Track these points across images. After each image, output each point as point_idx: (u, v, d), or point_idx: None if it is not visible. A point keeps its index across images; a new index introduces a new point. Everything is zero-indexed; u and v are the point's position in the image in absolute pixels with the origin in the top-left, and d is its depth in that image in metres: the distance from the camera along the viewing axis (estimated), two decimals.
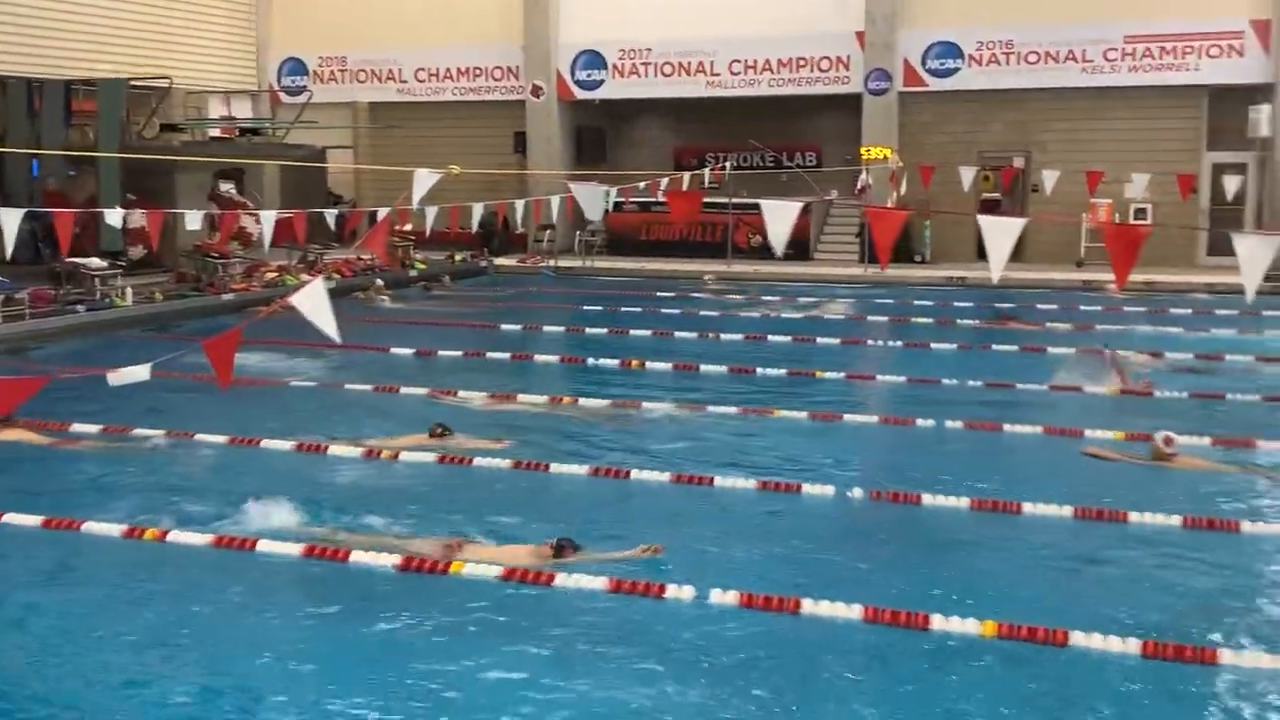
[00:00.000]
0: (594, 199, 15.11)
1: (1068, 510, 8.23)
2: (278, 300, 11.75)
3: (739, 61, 26.89)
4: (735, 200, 24.37)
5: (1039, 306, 19.40)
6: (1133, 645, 6.00)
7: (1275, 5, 22.90)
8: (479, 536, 7.72)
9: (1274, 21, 22.89)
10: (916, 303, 20.11)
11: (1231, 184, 23.35)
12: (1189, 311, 18.85)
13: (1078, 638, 6.07)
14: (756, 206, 11.23)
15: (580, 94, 27.88)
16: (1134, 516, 8.12)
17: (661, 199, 20.17)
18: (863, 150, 25.62)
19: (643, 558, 7.20)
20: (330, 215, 17.58)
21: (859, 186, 24.71)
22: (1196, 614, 6.58)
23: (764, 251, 25.49)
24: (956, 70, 25.31)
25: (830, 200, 27.06)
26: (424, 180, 12.96)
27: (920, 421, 10.98)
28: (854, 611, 6.40)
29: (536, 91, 27.92)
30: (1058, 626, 6.14)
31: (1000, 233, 8.99)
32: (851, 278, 23.50)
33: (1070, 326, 17.31)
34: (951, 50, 25.27)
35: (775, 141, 28.01)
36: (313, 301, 7.22)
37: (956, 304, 20.00)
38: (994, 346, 15.72)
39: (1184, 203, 23.83)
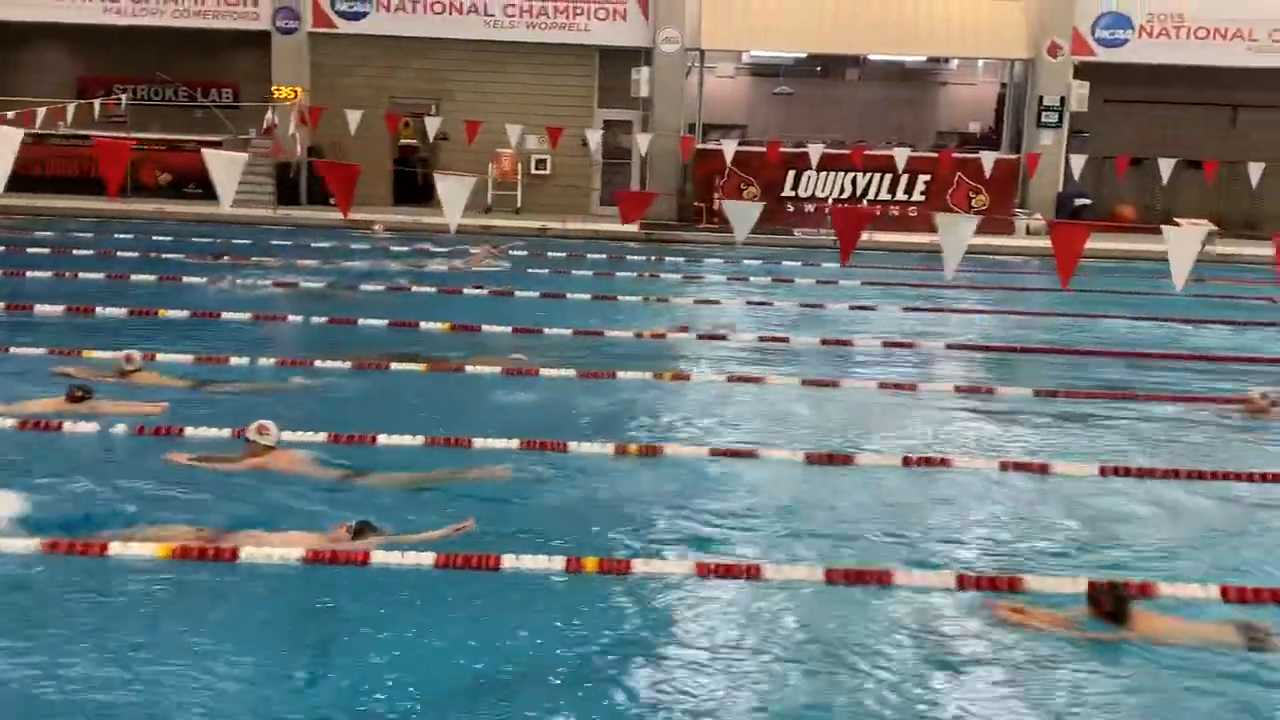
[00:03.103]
0: None
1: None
2: None
3: None
4: (146, 136, 23.02)
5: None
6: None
7: None
8: None
9: None
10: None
11: (627, 140, 25.32)
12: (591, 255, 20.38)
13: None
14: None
15: None
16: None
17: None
18: (274, 89, 25.01)
19: (454, 536, 6.76)
20: None
21: (264, 126, 24.12)
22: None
23: (172, 190, 24.40)
24: (365, 14, 25.32)
25: (248, 139, 26.19)
26: None
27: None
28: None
29: None
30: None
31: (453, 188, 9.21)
32: (260, 219, 22.91)
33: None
34: None
35: (192, 76, 26.67)
36: None
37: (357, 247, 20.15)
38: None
39: (581, 156, 25.61)
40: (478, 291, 15.84)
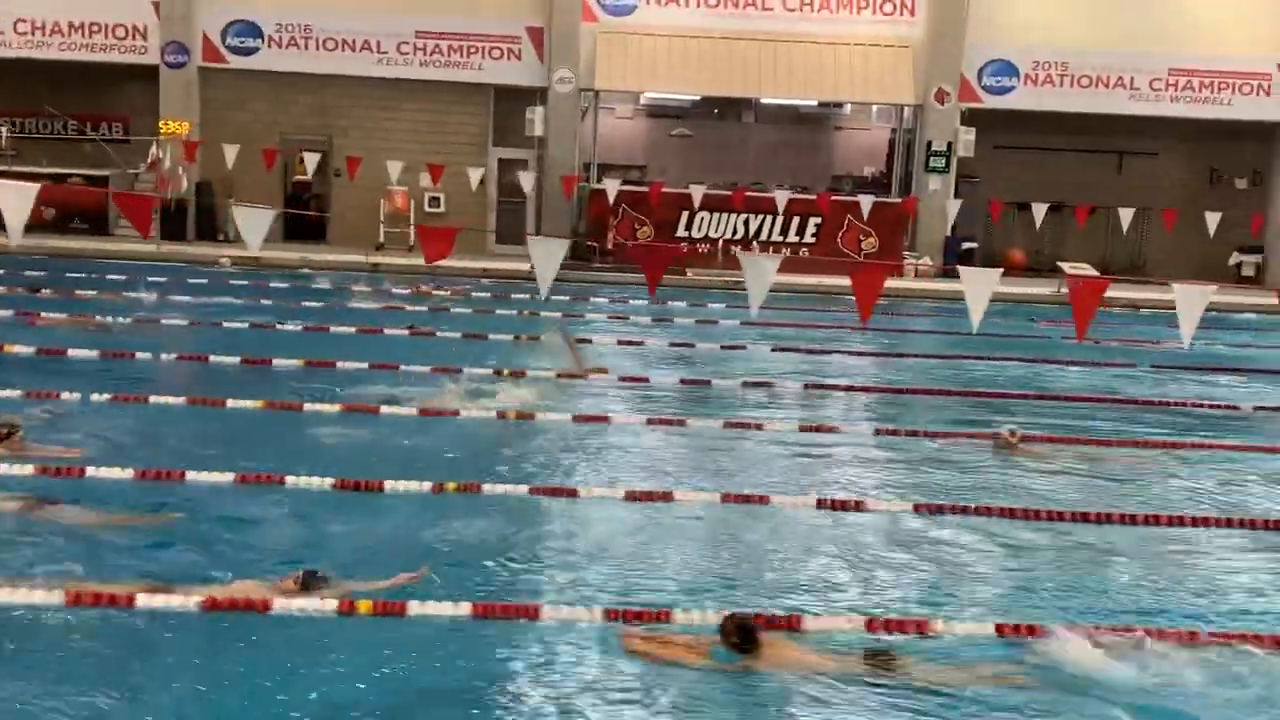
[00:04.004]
0: None
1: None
2: None
3: (25, 21, 24.90)
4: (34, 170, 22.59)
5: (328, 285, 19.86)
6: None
7: (548, 15, 25.08)
8: None
9: (546, 30, 25.08)
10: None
11: (517, 179, 25.29)
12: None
13: None
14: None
15: None
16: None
17: None
18: (161, 124, 24.69)
19: (410, 584, 6.61)
20: None
21: (149, 160, 23.81)
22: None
23: (58, 224, 23.96)
24: (256, 49, 25.13)
25: (137, 174, 25.85)
26: None
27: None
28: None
29: None
30: None
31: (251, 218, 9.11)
32: (145, 254, 22.50)
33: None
34: (252, 30, 25.04)
35: (81, 110, 26.26)
36: None
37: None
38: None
39: (475, 193, 25.54)
40: (346, 329, 15.62)
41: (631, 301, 19.96)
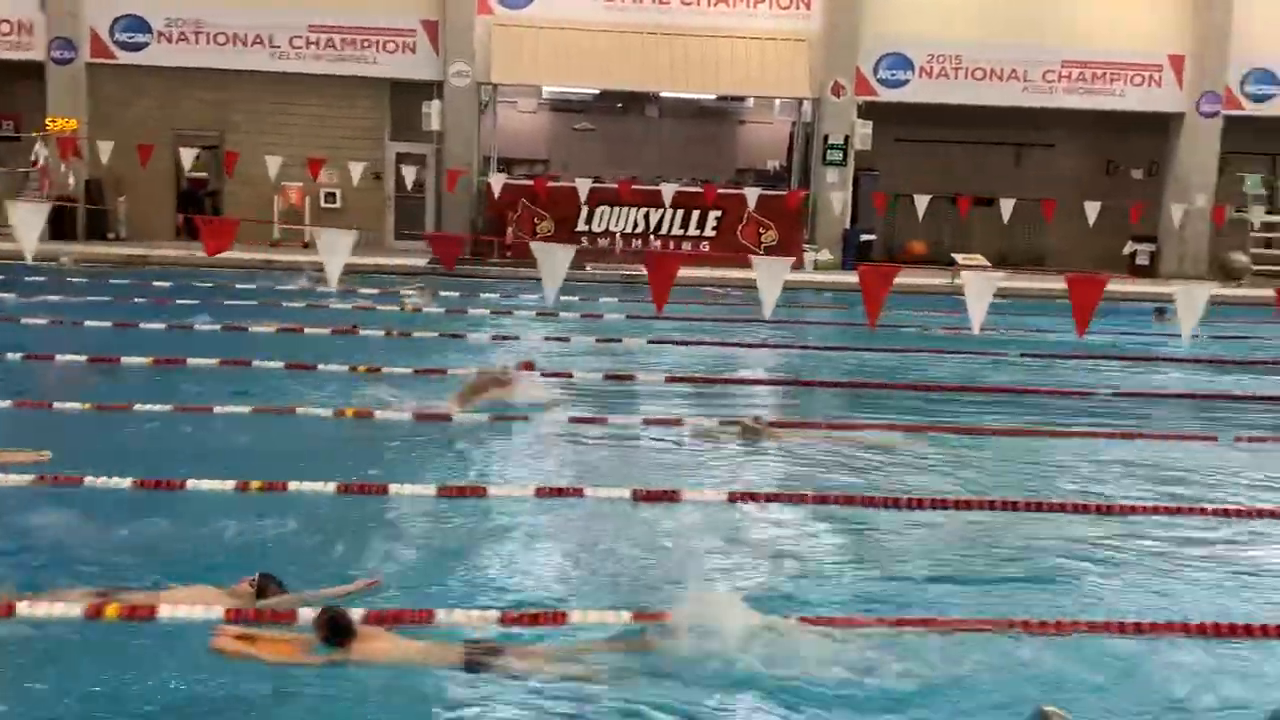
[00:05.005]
0: None
1: None
2: None
3: None
4: None
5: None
6: None
7: (442, 8, 24.88)
8: None
9: (441, 23, 24.87)
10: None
11: (410, 173, 25.08)
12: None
13: None
14: None
15: None
16: None
17: None
18: (48, 121, 24.24)
19: (363, 591, 6.47)
20: None
21: (33, 159, 23.36)
22: None
23: None
24: (146, 45, 24.71)
25: (27, 173, 25.34)
26: None
27: None
28: None
29: None
30: None
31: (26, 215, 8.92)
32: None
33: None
34: (140, 25, 24.63)
35: None
36: None
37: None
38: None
39: (372, 189, 25.33)
40: (210, 327, 15.40)
41: (522, 296, 19.84)
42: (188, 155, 22.98)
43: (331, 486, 8.44)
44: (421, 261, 22.95)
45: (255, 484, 8.38)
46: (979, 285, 10.38)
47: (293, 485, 8.39)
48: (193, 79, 25.08)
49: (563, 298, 19.60)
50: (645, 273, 10.93)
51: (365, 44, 24.95)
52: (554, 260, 8.87)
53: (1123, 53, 25.66)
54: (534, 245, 10.90)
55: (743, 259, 18.86)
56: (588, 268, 23.96)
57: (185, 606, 6.16)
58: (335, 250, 10.23)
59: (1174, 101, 25.94)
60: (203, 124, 25.38)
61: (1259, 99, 26.16)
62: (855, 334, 16.83)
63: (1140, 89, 25.88)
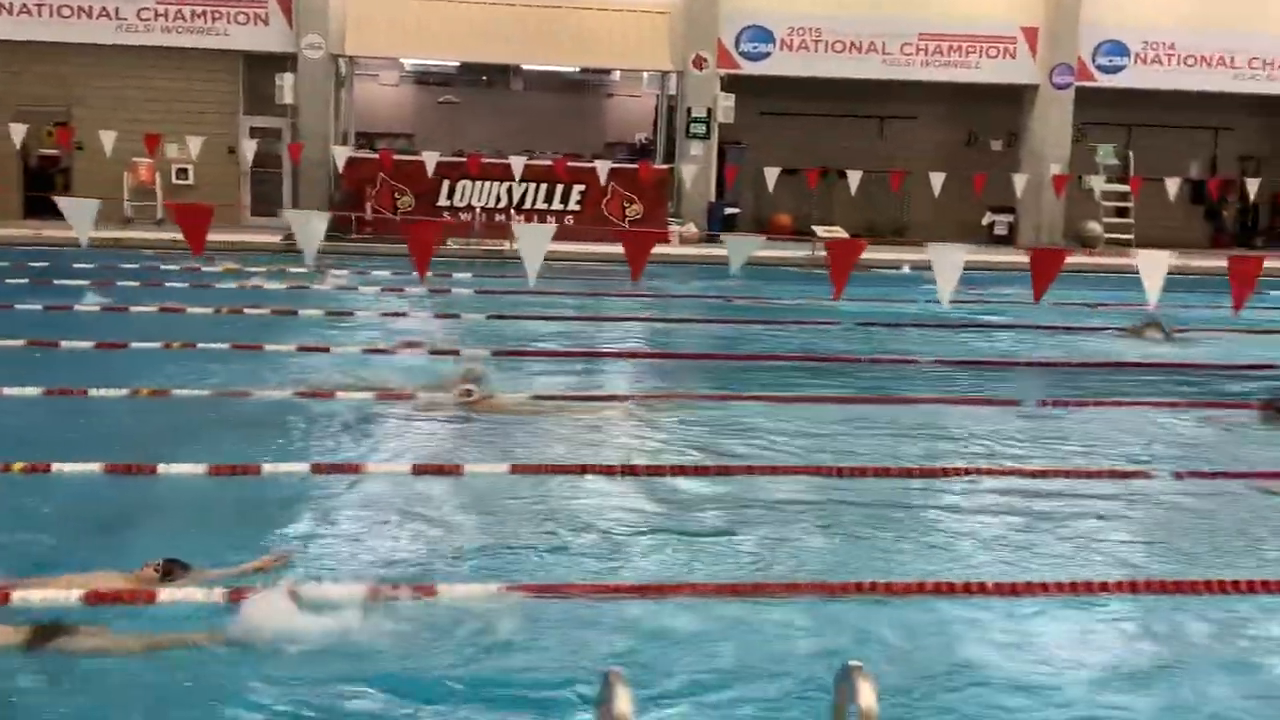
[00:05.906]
0: None
1: None
2: None
3: None
4: None
5: None
6: None
7: None
8: None
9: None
10: None
11: (258, 147, 24.51)
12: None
13: None
14: None
15: None
16: None
17: None
18: None
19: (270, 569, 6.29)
20: None
21: None
22: None
23: None
24: None
25: None
26: None
27: None
28: None
29: None
30: None
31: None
32: None
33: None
34: None
35: None
36: None
37: None
38: None
39: (227, 164, 24.79)
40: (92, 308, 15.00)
41: (374, 274, 19.55)
42: (26, 131, 22.13)
43: None
44: (276, 238, 22.50)
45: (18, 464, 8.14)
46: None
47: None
48: (36, 52, 24.25)
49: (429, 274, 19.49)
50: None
51: (215, 15, 24.35)
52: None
53: (977, 25, 26.06)
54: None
55: (615, 234, 18.92)
56: (448, 242, 23.72)
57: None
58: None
59: (1028, 73, 26.44)
60: (47, 99, 24.58)
61: (1110, 70, 26.75)
62: (709, 307, 16.93)
63: (995, 61, 26.32)
